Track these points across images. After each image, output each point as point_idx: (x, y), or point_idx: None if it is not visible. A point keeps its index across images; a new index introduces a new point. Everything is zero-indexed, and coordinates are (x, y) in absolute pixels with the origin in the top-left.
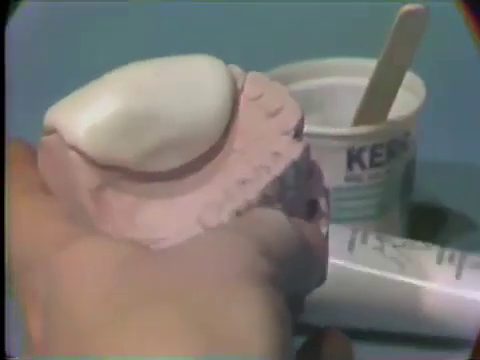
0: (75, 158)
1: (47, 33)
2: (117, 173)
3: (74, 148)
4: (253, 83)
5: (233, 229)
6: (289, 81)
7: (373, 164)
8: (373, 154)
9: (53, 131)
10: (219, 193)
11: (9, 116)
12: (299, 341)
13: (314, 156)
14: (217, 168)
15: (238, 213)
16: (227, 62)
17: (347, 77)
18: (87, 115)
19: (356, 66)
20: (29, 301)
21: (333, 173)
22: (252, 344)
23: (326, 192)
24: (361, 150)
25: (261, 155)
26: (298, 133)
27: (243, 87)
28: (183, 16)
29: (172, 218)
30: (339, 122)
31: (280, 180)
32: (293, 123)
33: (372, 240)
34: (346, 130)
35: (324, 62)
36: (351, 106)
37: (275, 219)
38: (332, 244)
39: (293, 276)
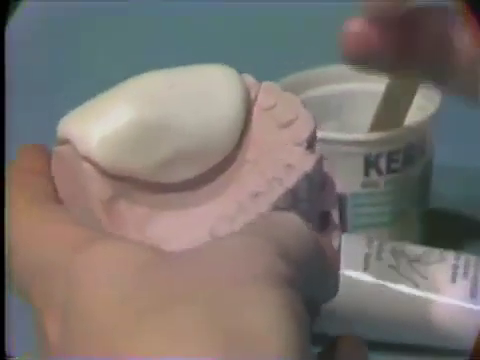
0: (88, 169)
1: (47, 33)
2: (130, 184)
3: (87, 159)
4: (266, 93)
5: (250, 232)
6: (307, 87)
7: (390, 170)
8: (390, 160)
9: (66, 141)
10: (232, 205)
11: (9, 116)
12: (315, 351)
13: (330, 163)
14: (230, 179)
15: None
16: (243, 68)
17: (365, 83)
18: (100, 126)
19: None
20: (45, 306)
21: (350, 179)
22: (270, 345)
23: (338, 204)
24: (378, 156)
25: (274, 167)
26: (311, 144)
27: (256, 97)
28: (186, 16)
29: (184, 229)
30: (357, 128)
31: (292, 192)
32: (306, 134)
33: (387, 255)
34: (363, 136)
35: (342, 68)
36: (369, 112)
37: (292, 222)
38: (347, 260)
39: (310, 279)
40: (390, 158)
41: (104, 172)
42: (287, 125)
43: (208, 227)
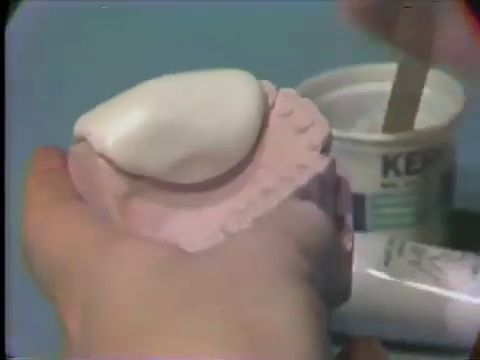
0: (103, 165)
1: (47, 33)
2: (145, 182)
3: (102, 156)
4: (284, 99)
5: (271, 226)
6: (338, 86)
7: (409, 171)
8: (409, 161)
9: (83, 140)
10: (242, 201)
11: (9, 116)
12: (334, 351)
13: (349, 163)
14: (245, 182)
15: (259, 220)
16: (275, 66)
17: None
18: (117, 124)
19: None
20: (65, 302)
21: (369, 179)
22: (293, 343)
23: (353, 208)
24: (397, 157)
25: (287, 167)
26: (326, 148)
27: (274, 103)
28: (190, 17)
29: (198, 228)
30: None
31: (304, 192)
32: (320, 139)
33: (408, 252)
34: (381, 136)
35: (373, 67)
36: None
37: (312, 213)
38: (369, 256)
39: (326, 276)
40: (409, 160)
41: (119, 170)
42: (303, 130)
43: (220, 225)
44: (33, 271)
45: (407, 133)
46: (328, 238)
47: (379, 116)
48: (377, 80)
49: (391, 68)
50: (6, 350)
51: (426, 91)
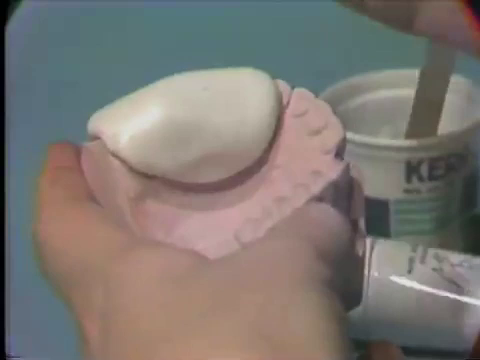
0: (117, 165)
1: (47, 33)
2: (158, 183)
3: (116, 155)
4: (298, 100)
5: (288, 233)
6: (363, 91)
7: (432, 177)
8: (432, 167)
9: (96, 138)
10: (257, 209)
11: (9, 116)
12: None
13: (372, 168)
14: (259, 183)
15: (272, 229)
16: (300, 71)
17: None
18: (131, 124)
19: None
20: (83, 309)
21: (392, 185)
22: (315, 351)
23: (364, 212)
24: (420, 162)
25: (301, 173)
26: (340, 152)
27: (288, 103)
28: (194, 17)
29: (211, 231)
30: None
31: (318, 199)
32: (334, 142)
33: (431, 259)
34: (404, 142)
35: (397, 73)
36: None
37: (330, 217)
38: (392, 263)
39: (343, 278)
40: (432, 165)
41: (133, 170)
42: (317, 132)
43: (234, 230)
44: (46, 270)
45: (430, 138)
46: (345, 242)
47: (403, 122)
48: (401, 86)
49: (415, 74)
50: (6, 350)
51: (448, 96)
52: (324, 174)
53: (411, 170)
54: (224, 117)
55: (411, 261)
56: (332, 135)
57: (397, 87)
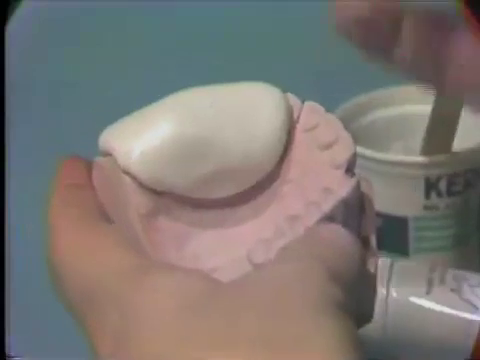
0: (128, 182)
1: (47, 33)
2: (169, 199)
3: (127, 172)
4: (309, 114)
5: (300, 254)
6: (373, 108)
7: (450, 193)
8: (450, 183)
9: (107, 154)
10: (269, 228)
11: (9, 116)
12: None
13: (391, 185)
14: (271, 199)
15: (284, 249)
16: (309, 88)
17: (430, 106)
18: (141, 140)
19: None
20: (96, 330)
21: (412, 202)
22: None
23: (375, 229)
24: (438, 178)
25: (313, 189)
26: (350, 167)
27: (299, 117)
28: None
29: (223, 249)
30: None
31: (329, 217)
32: (345, 158)
33: (450, 280)
34: (424, 158)
35: (407, 89)
36: None
37: (341, 238)
38: (410, 284)
39: (356, 297)
40: (450, 181)
41: (144, 186)
42: (327, 147)
43: (246, 248)
44: (61, 290)
45: (448, 154)
46: (357, 262)
47: (413, 138)
48: (411, 103)
49: (423, 90)
50: (6, 350)
51: (463, 112)
52: (335, 192)
53: (430, 186)
54: (234, 132)
55: (430, 282)
56: (343, 150)
57: (406, 104)
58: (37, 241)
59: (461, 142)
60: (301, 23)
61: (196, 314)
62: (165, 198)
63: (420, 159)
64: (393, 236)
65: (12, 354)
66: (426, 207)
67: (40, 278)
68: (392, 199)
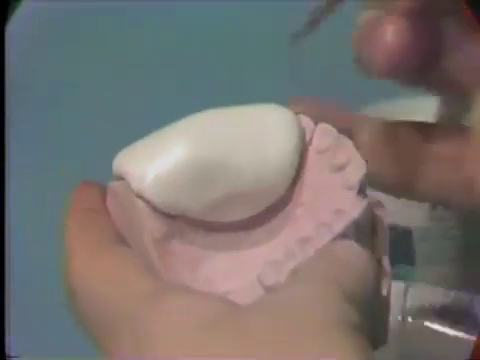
0: (141, 206)
1: (47, 33)
2: (183, 223)
3: (140, 196)
4: (321, 136)
5: (315, 276)
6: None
7: None
8: None
9: (121, 178)
10: (280, 250)
11: (9, 116)
12: None
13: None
14: (285, 222)
15: (295, 272)
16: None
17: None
18: (155, 164)
19: None
20: (112, 350)
21: (417, 212)
22: None
23: (389, 251)
24: None
25: (324, 211)
26: (362, 189)
27: (312, 139)
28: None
29: (236, 272)
30: None
31: (342, 235)
32: (357, 179)
33: (465, 304)
34: None
35: (412, 101)
36: None
37: (354, 255)
38: (424, 308)
39: (371, 319)
40: None
41: (157, 210)
42: (340, 169)
43: (258, 271)
44: (78, 311)
45: None
46: (372, 282)
47: None
48: (415, 115)
49: (429, 103)
50: (6, 350)
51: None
52: (346, 213)
53: None
54: (246, 156)
55: (444, 305)
56: (355, 171)
57: (412, 116)
58: (37, 241)
59: None
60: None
61: (212, 336)
62: (178, 221)
63: None
64: (398, 246)
65: (12, 354)
66: (432, 218)
67: (40, 278)
68: (397, 209)
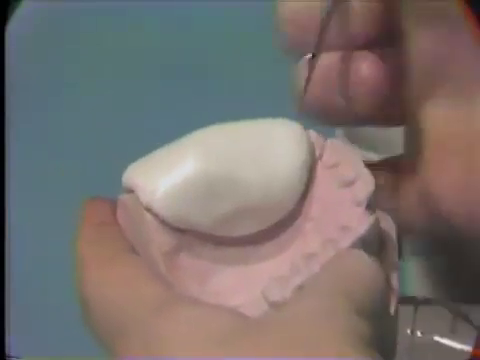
0: (150, 219)
1: (47, 33)
2: (192, 236)
3: (149, 209)
4: (331, 151)
5: (324, 288)
6: None
7: None
8: None
9: (130, 191)
10: (285, 265)
11: (9, 116)
12: None
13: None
14: (294, 236)
15: (301, 287)
16: None
17: None
18: (164, 178)
19: None
20: (123, 356)
21: None
22: None
23: (398, 267)
24: None
25: (331, 227)
26: (370, 205)
27: (321, 155)
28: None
29: (245, 286)
30: None
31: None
32: (365, 195)
33: (474, 318)
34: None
35: None
36: None
37: (364, 267)
38: (435, 324)
39: (380, 333)
40: None
41: (166, 224)
42: (349, 184)
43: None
44: (90, 319)
45: None
46: (381, 292)
47: None
48: None
49: None
50: (6, 350)
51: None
52: (353, 229)
53: None
54: (255, 171)
55: (454, 320)
56: (363, 187)
57: None
58: (37, 241)
59: None
60: None
61: (221, 347)
62: (187, 235)
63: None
64: None
65: (12, 354)
66: None
67: (40, 278)
68: None
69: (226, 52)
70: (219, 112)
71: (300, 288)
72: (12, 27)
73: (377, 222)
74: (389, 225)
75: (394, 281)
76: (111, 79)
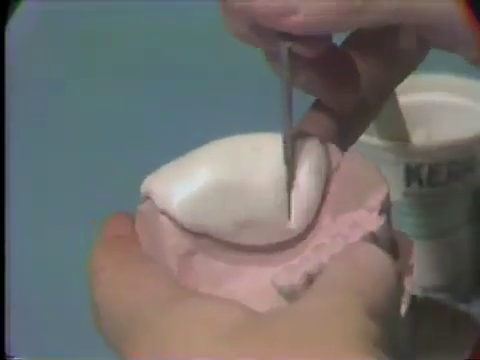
0: (165, 223)
1: (47, 33)
2: (207, 241)
3: (165, 213)
4: (347, 162)
5: (338, 285)
6: (398, 93)
7: (432, 183)
8: (432, 172)
9: (147, 198)
10: (297, 259)
11: (9, 117)
12: None
13: None
14: (307, 246)
15: (310, 276)
16: None
17: (454, 94)
18: (181, 184)
19: (463, 85)
20: (130, 356)
21: (391, 187)
22: None
23: (412, 271)
24: (419, 167)
25: (342, 225)
26: (383, 210)
27: (338, 166)
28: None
29: (257, 290)
30: (444, 137)
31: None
32: (379, 201)
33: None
34: (404, 144)
35: (433, 77)
36: (456, 123)
37: (378, 263)
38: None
39: (390, 335)
40: (432, 171)
41: (182, 228)
42: (363, 193)
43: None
44: (99, 320)
45: (430, 144)
46: (394, 289)
47: (435, 126)
48: (436, 90)
49: (448, 78)
50: (6, 350)
51: (463, 100)
52: (363, 225)
53: (411, 173)
54: (272, 180)
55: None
56: (377, 195)
57: (429, 91)
58: (37, 241)
59: (462, 132)
60: None
61: (230, 344)
62: (202, 239)
63: (400, 144)
64: None
65: (12, 354)
66: (406, 194)
67: (40, 278)
68: None
69: (226, 52)
70: (219, 112)
71: (312, 277)
72: (12, 27)
73: (388, 224)
74: (404, 240)
75: (407, 285)
76: (111, 79)
